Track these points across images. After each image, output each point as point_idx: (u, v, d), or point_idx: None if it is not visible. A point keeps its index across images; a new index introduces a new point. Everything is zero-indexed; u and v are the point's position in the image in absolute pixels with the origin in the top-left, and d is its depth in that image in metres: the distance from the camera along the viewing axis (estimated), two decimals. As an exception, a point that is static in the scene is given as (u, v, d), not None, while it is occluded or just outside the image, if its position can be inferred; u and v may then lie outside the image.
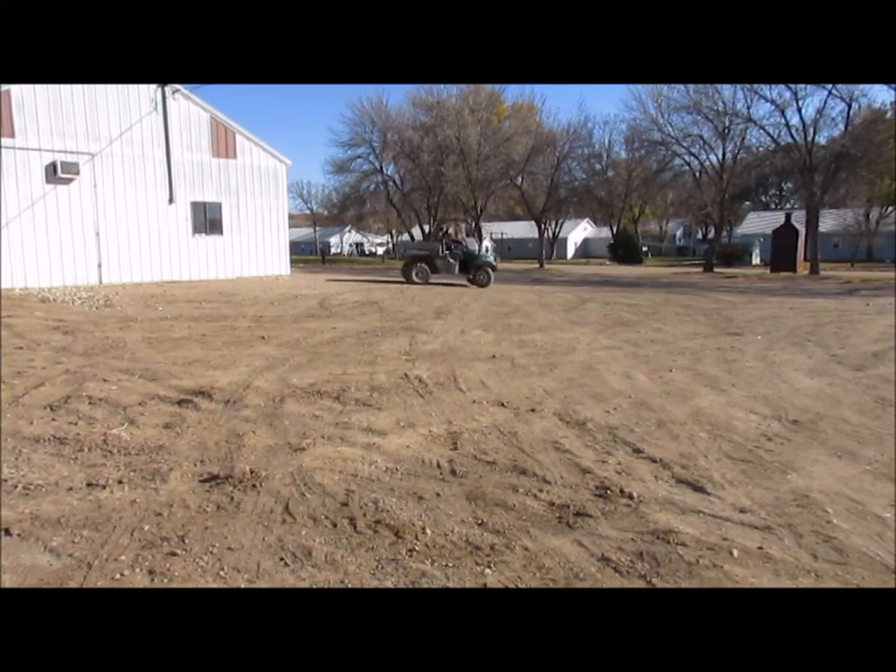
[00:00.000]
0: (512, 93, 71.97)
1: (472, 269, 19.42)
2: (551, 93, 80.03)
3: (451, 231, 21.62)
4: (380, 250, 68.90)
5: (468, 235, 21.03)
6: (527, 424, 4.75)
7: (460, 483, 3.61)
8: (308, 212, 70.38)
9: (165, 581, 2.55)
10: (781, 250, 30.13)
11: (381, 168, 48.57)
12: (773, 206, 60.48)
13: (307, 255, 61.11)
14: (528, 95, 55.80)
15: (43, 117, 15.88)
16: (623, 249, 48.47)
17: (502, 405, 5.28)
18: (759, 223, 50.36)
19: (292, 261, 22.83)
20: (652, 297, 16.31)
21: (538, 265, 38.73)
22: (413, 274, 19.64)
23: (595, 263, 47.85)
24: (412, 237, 56.22)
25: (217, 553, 2.76)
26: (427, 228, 50.86)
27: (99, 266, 17.19)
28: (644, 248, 54.28)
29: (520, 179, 39.42)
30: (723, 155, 32.41)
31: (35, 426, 4.50)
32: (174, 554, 2.74)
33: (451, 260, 19.50)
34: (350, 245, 75.69)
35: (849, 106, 27.81)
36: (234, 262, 19.92)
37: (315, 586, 2.53)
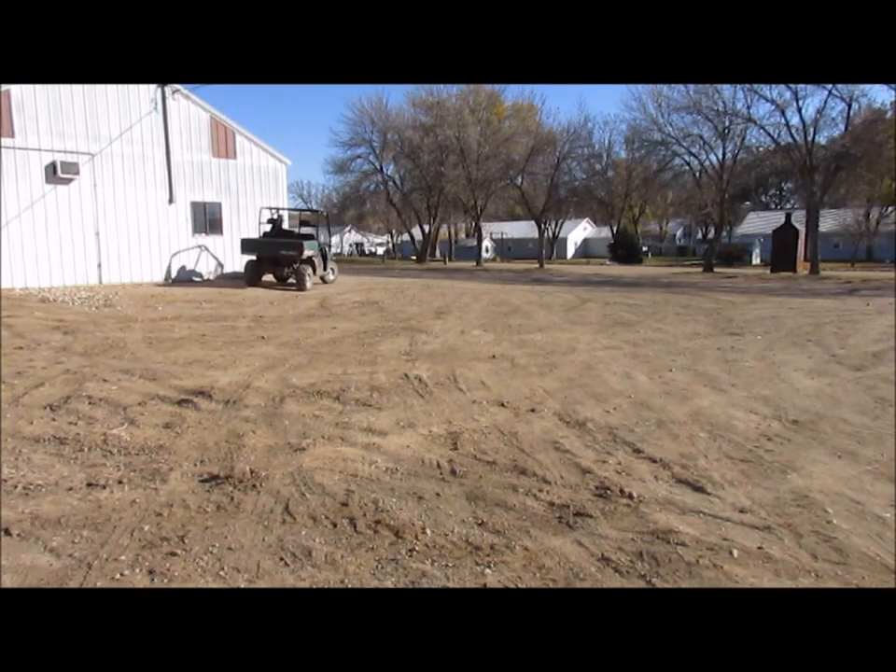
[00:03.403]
0: (512, 93, 72.07)
1: (327, 265, 18.60)
2: (551, 93, 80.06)
3: (281, 221, 18.53)
4: (380, 250, 68.96)
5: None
6: (527, 424, 4.75)
7: (460, 482, 3.61)
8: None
9: (165, 581, 2.55)
10: (781, 250, 30.11)
11: (381, 168, 48.63)
12: (773, 206, 60.49)
13: (307, 255, 60.99)
14: (528, 95, 55.98)
15: (43, 117, 15.87)
16: (623, 249, 48.46)
17: (502, 405, 5.28)
18: (759, 223, 50.36)
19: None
20: (652, 297, 16.30)
21: (538, 265, 38.74)
22: (307, 277, 16.68)
23: (595, 263, 47.84)
24: (412, 237, 56.21)
25: (216, 553, 2.76)
26: (427, 228, 50.90)
27: (99, 266, 17.18)
28: (644, 248, 54.29)
29: (520, 179, 39.40)
30: (723, 155, 32.40)
31: (35, 426, 4.50)
32: (173, 554, 2.74)
33: (323, 258, 18.04)
34: (350, 245, 75.75)
35: (849, 106, 27.82)
36: (234, 262, 19.89)
37: (314, 586, 2.53)
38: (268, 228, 18.13)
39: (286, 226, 18.86)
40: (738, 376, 6.50)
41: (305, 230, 18.71)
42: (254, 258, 17.12)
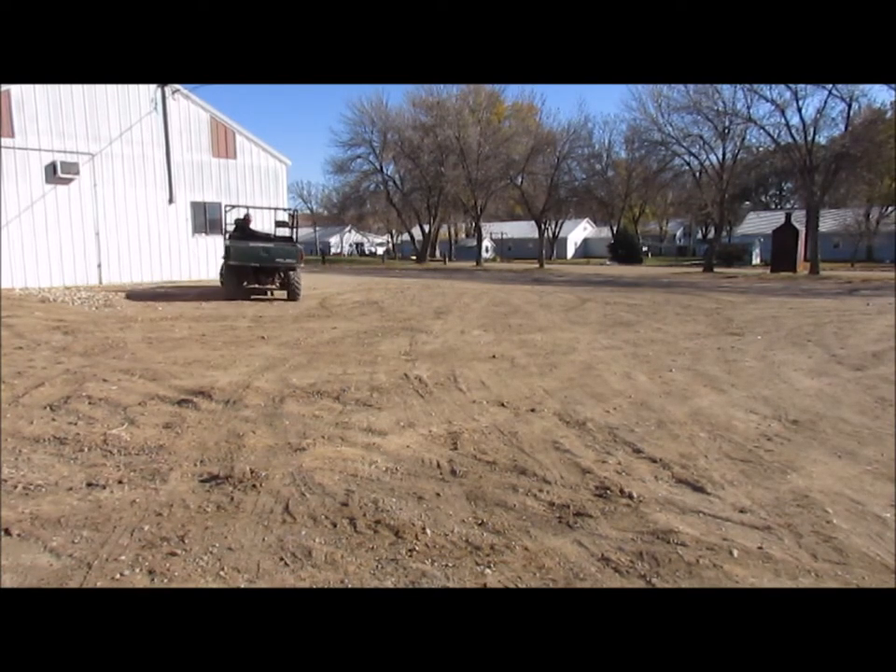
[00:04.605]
0: (512, 93, 72.20)
1: None
2: (551, 93, 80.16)
3: (249, 222, 14.58)
4: (380, 250, 69.02)
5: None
6: (527, 424, 4.75)
7: (460, 482, 3.61)
8: (308, 212, 70.53)
9: (165, 581, 2.55)
10: (781, 250, 30.14)
11: (381, 168, 48.75)
12: (773, 206, 60.54)
13: (307, 255, 61.19)
14: (528, 95, 56.17)
15: (43, 117, 15.88)
16: (623, 249, 48.51)
17: (502, 405, 5.27)
18: (759, 223, 50.41)
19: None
20: (652, 297, 16.30)
21: (538, 265, 38.75)
22: (300, 286, 14.17)
23: (595, 263, 47.87)
24: (412, 237, 56.19)
25: (216, 553, 2.76)
26: (427, 228, 50.90)
27: (99, 266, 17.19)
28: (644, 248, 54.34)
29: (520, 179, 39.43)
30: (723, 155, 32.45)
31: (35, 426, 4.50)
32: (173, 554, 2.74)
33: None
34: (350, 245, 75.80)
35: (849, 106, 27.89)
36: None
37: (315, 586, 2.53)
38: (235, 230, 14.44)
39: (255, 226, 15.19)
40: (738, 376, 6.50)
41: (281, 231, 15.45)
42: (236, 266, 13.66)
